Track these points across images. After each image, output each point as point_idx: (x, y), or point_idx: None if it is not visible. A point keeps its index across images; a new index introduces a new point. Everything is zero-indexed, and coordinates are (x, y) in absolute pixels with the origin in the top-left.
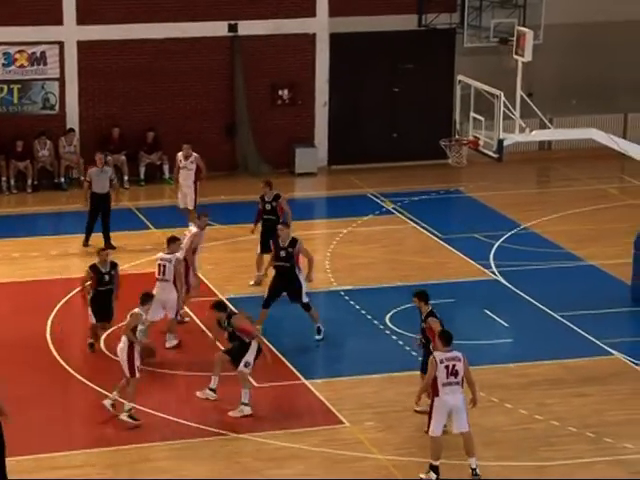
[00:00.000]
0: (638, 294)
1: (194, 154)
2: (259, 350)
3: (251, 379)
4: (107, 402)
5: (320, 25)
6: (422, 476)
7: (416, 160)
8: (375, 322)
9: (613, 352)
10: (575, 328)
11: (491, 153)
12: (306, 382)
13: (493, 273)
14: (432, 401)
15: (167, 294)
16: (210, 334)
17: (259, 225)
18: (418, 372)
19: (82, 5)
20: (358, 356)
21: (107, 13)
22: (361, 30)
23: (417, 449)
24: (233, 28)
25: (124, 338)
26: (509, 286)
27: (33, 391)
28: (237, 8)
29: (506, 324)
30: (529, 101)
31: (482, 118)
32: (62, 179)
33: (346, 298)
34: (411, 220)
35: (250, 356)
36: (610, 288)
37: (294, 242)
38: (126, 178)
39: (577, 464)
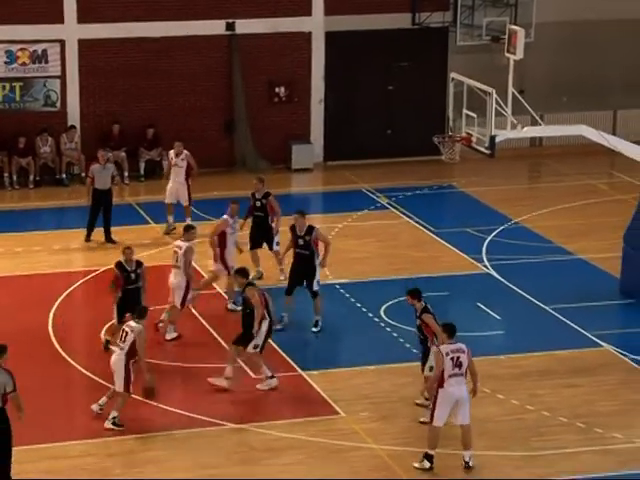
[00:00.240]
0: (626, 287)
1: (185, 151)
2: (269, 333)
3: (248, 370)
4: (95, 407)
5: (316, 24)
6: (416, 465)
7: (410, 156)
8: (370, 315)
9: (602, 344)
10: (565, 320)
11: (483, 149)
12: (303, 373)
13: (485, 267)
14: (436, 392)
15: (178, 280)
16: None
17: (249, 221)
18: (412, 363)
19: (83, 4)
20: (354, 348)
21: (107, 12)
22: (356, 28)
23: (412, 439)
24: (231, 27)
25: (119, 351)
26: (501, 279)
27: (35, 382)
28: (235, 7)
29: (498, 317)
30: (521, 98)
31: (475, 115)
32: (63, 175)
33: (342, 291)
34: (405, 215)
35: (259, 339)
36: (599, 281)
37: (310, 230)
38: (126, 174)
39: (567, 453)
